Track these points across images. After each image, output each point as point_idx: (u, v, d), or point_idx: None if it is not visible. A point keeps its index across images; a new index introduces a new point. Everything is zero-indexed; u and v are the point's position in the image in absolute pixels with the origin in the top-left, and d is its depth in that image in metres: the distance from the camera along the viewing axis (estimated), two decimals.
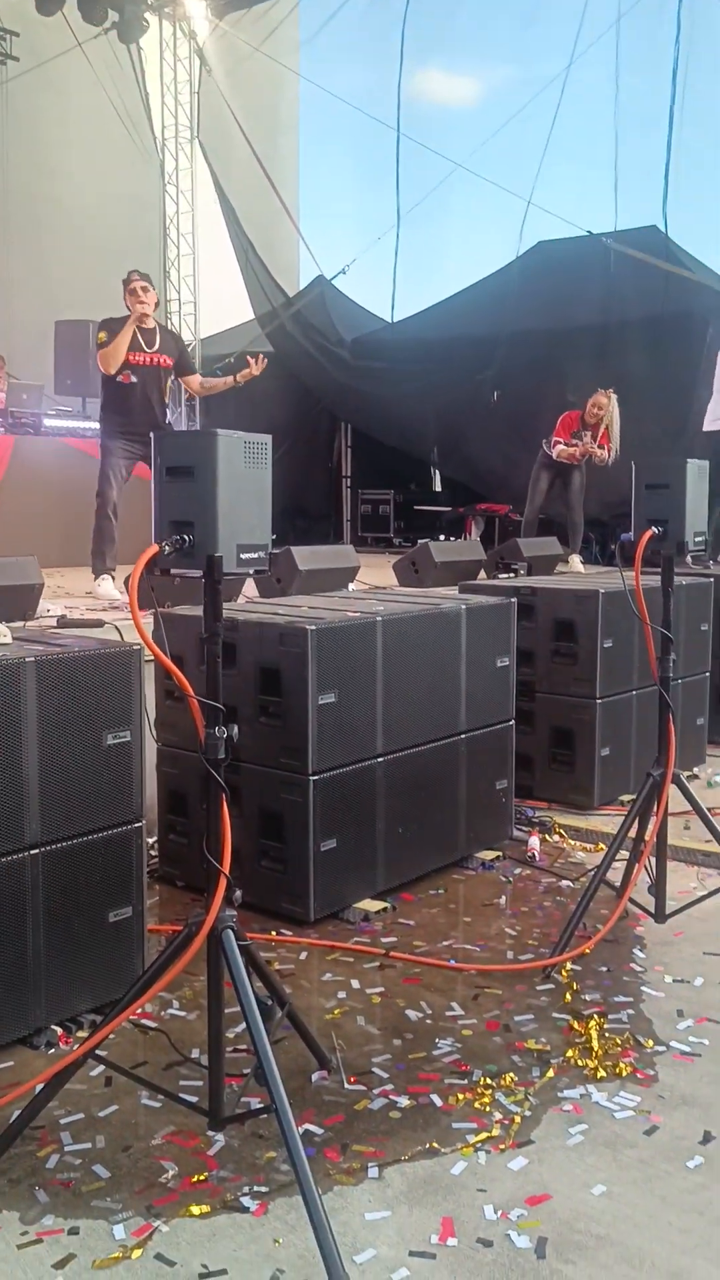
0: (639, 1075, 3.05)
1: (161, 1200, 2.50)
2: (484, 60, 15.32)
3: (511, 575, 7.88)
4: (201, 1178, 2.57)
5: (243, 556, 2.57)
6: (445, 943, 3.96)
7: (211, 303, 14.59)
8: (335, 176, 16.66)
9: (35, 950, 3.13)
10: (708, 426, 8.51)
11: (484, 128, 12.54)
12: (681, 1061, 3.13)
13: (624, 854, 3.99)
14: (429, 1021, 3.36)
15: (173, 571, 2.57)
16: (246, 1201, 2.49)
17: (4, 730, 3.02)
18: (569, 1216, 2.45)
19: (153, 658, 2.61)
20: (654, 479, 3.79)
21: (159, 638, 2.62)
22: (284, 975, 3.65)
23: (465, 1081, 3.01)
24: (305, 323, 13.60)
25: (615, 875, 4.01)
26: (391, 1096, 2.93)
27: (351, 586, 7.03)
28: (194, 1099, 2.77)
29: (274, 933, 3.97)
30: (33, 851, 3.11)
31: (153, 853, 4.48)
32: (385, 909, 4.20)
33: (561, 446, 9.13)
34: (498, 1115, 2.85)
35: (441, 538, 11.86)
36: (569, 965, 3.71)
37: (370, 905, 4.19)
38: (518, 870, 4.70)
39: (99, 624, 5.38)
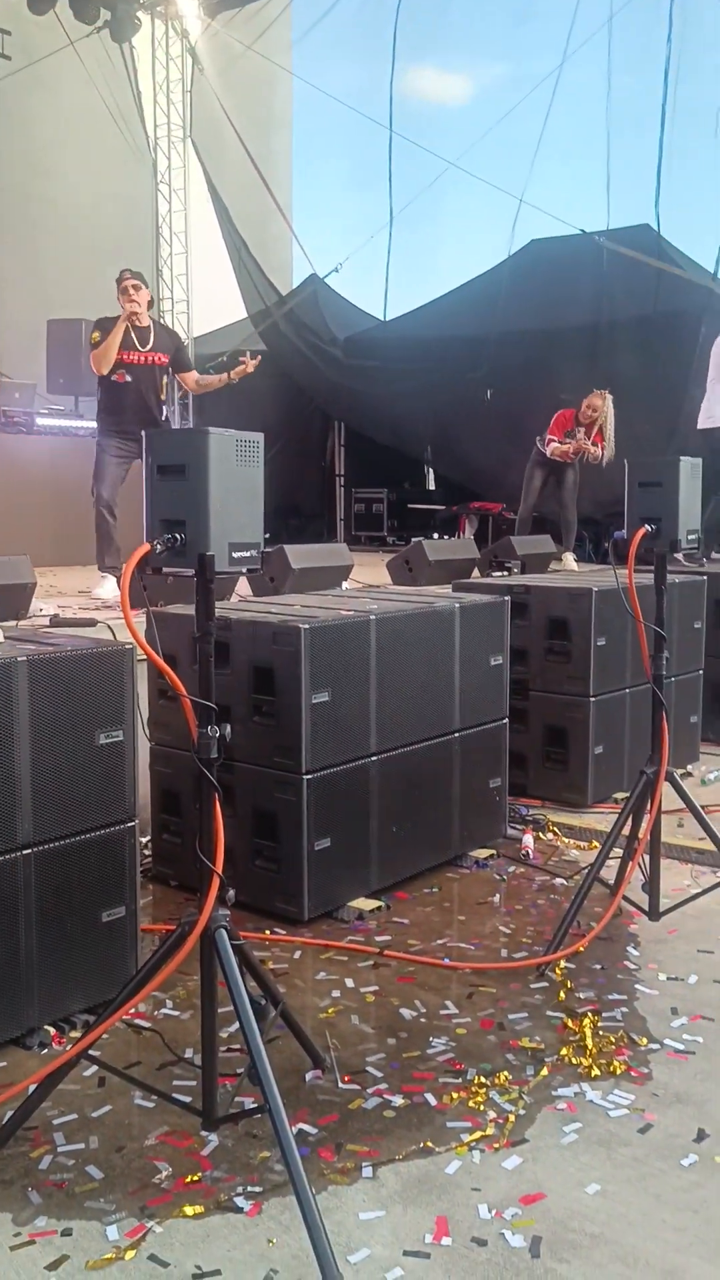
0: (633, 1073, 3.05)
1: (155, 1201, 2.49)
2: (476, 58, 15.35)
3: (505, 573, 7.87)
4: (195, 1178, 2.57)
5: (235, 555, 2.56)
6: (439, 941, 3.95)
7: (204, 301, 14.56)
8: (328, 175, 16.69)
9: (28, 950, 3.12)
10: (702, 425, 8.51)
11: (476, 126, 12.58)
12: (675, 1059, 3.13)
13: (618, 852, 3.98)
14: (423, 1020, 3.36)
15: (165, 570, 2.56)
16: (240, 1202, 2.48)
17: None
18: (563, 1215, 2.45)
19: (145, 657, 2.60)
20: (647, 477, 3.79)
21: (151, 637, 2.61)
22: (278, 974, 3.64)
23: (460, 1080, 3.01)
24: (298, 321, 13.59)
25: (609, 873, 4.00)
26: (386, 1096, 2.93)
27: (345, 585, 7.02)
28: (187, 1099, 2.76)
29: (268, 932, 3.97)
30: (25, 851, 3.10)
31: (146, 852, 4.48)
32: (379, 908, 4.20)
33: (555, 444, 9.12)
34: (492, 1114, 2.84)
35: (435, 536, 11.85)
36: (563, 963, 3.71)
37: (364, 904, 4.19)
38: (512, 868, 4.70)
39: (92, 623, 5.37)
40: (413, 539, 8.68)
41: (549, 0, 12.28)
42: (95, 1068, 2.98)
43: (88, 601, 6.70)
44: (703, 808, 4.08)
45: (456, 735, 4.69)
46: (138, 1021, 3.30)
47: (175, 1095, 2.79)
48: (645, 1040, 3.22)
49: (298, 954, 3.83)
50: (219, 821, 2.55)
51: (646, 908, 3.94)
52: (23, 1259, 2.32)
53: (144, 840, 4.37)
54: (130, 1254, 2.32)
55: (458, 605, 4.68)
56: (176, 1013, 3.38)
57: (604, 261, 11.20)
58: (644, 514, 3.77)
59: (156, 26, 14.35)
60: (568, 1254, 2.32)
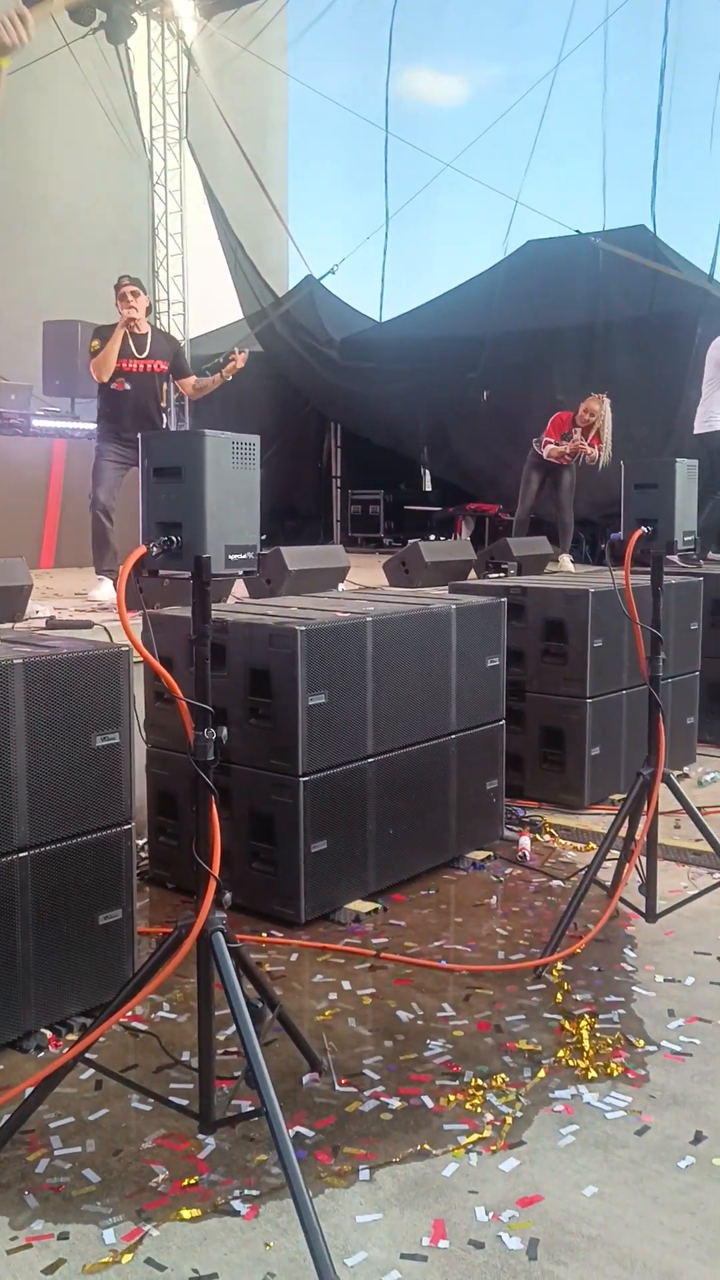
0: (630, 1075, 3.05)
1: (152, 1204, 2.49)
2: (472, 59, 15.35)
3: (501, 575, 7.88)
4: (192, 1181, 2.56)
5: (231, 558, 2.56)
6: (436, 943, 3.95)
7: (200, 303, 14.57)
8: (324, 176, 16.68)
9: (24, 953, 3.11)
10: (698, 430, 8.52)
11: (472, 127, 12.56)
12: (672, 1061, 3.13)
13: (614, 853, 3.98)
14: (420, 1023, 3.36)
15: (161, 573, 2.56)
16: (237, 1205, 2.48)
17: None
18: (560, 1217, 2.45)
19: (141, 659, 2.60)
20: (643, 479, 3.79)
21: (147, 639, 2.61)
22: (275, 977, 3.64)
23: (456, 1083, 3.00)
24: (294, 323, 13.59)
25: (606, 875, 4.00)
26: (383, 1098, 2.93)
27: (341, 587, 7.03)
28: (184, 1102, 2.76)
29: (264, 934, 3.97)
30: (21, 854, 3.09)
31: (142, 854, 4.47)
32: (376, 910, 4.19)
33: (552, 446, 9.13)
34: (489, 1116, 2.84)
35: (432, 538, 11.86)
36: (560, 965, 3.71)
37: (361, 906, 4.18)
38: (508, 870, 4.70)
39: (88, 625, 5.37)
40: (409, 540, 8.69)
41: (544, 2, 12.29)
42: (92, 1071, 2.98)
43: (84, 604, 6.71)
44: (699, 809, 4.08)
45: (453, 737, 4.69)
46: (135, 1024, 3.29)
47: (172, 1098, 2.78)
48: (642, 1042, 3.22)
49: (294, 956, 3.83)
50: (216, 825, 2.55)
51: (643, 909, 3.94)
52: (19, 1263, 2.31)
53: (140, 842, 4.36)
54: (127, 1257, 2.32)
55: (454, 607, 4.68)
56: (173, 1015, 3.38)
57: (600, 263, 11.21)
58: (640, 516, 3.78)
59: (152, 28, 14.36)
60: (565, 1256, 2.32)
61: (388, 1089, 2.97)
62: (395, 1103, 2.90)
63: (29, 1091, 2.70)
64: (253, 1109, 2.47)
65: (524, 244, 12.02)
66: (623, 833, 3.93)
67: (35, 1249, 2.35)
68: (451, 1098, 2.92)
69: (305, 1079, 3.01)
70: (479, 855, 4.78)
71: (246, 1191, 2.53)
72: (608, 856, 3.89)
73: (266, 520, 2.69)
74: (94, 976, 3.29)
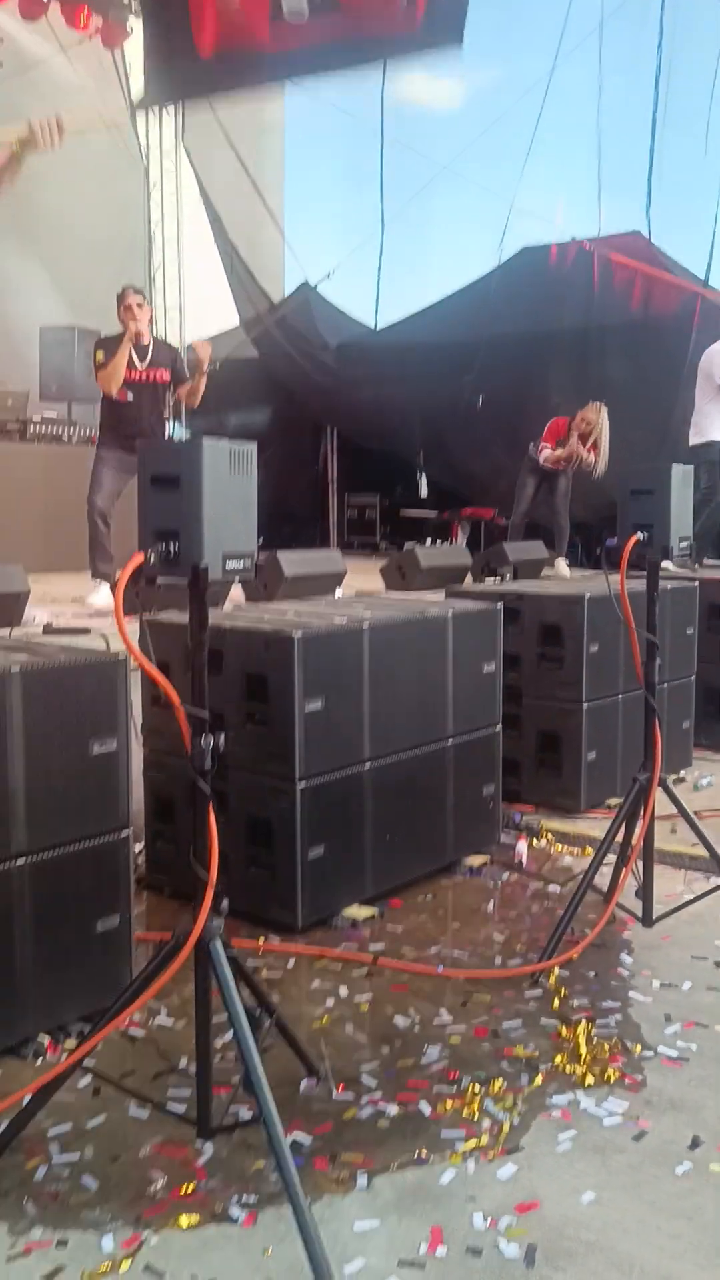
0: (627, 1080, 3.06)
1: (150, 1211, 2.49)
2: (467, 63, 15.34)
3: (497, 579, 7.89)
4: (190, 1188, 2.57)
5: (229, 565, 2.57)
6: (433, 949, 3.96)
7: (197, 308, 14.58)
8: (320, 181, 16.67)
9: (23, 960, 3.12)
10: (692, 441, 8.56)
11: (467, 131, 12.57)
12: (670, 1066, 3.13)
13: (611, 858, 3.99)
14: (417, 1029, 3.36)
15: (158, 581, 2.57)
16: (235, 1212, 2.48)
17: None
18: (558, 1224, 2.45)
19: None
20: (639, 485, 3.80)
21: (145, 646, 2.62)
22: (272, 983, 3.64)
23: (454, 1089, 3.01)
24: (290, 328, 13.59)
25: (603, 880, 4.01)
26: (380, 1105, 2.93)
27: (338, 591, 7.04)
28: (182, 1108, 2.76)
29: (262, 940, 3.97)
30: (19, 861, 3.10)
31: (139, 860, 4.47)
32: (373, 915, 4.20)
33: (548, 452, 9.14)
34: (486, 1123, 2.85)
35: (428, 542, 11.87)
36: (557, 970, 3.71)
37: (358, 912, 4.19)
38: (505, 875, 4.70)
39: (85, 631, 5.38)
40: (405, 545, 8.70)
41: (539, 6, 12.30)
42: (90, 1077, 2.98)
43: (81, 609, 6.71)
44: (696, 813, 4.10)
45: (450, 742, 4.69)
46: (132, 1031, 3.29)
47: (170, 1105, 2.79)
48: (639, 1047, 3.23)
49: (291, 962, 3.84)
50: (213, 832, 2.55)
51: (640, 914, 3.96)
52: (19, 1270, 2.32)
53: (137, 848, 4.36)
54: (126, 1264, 2.32)
55: (450, 613, 4.69)
56: (170, 1021, 3.38)
57: (595, 267, 11.23)
58: (636, 521, 3.79)
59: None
60: (563, 1262, 2.33)
61: (385, 1095, 2.98)
62: (393, 1109, 2.91)
63: (28, 1098, 2.70)
64: (250, 1116, 2.48)
65: (520, 250, 12.03)
66: (619, 838, 3.94)
67: (34, 1256, 2.35)
68: (449, 1104, 2.93)
69: (303, 1085, 3.02)
70: (476, 860, 4.79)
71: (245, 1198, 2.53)
72: (604, 861, 3.91)
73: (262, 524, 2.70)
74: (92, 983, 3.29)
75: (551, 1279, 2.28)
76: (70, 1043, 3.20)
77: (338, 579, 7.14)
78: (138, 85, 14.12)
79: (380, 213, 13.20)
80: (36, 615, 5.88)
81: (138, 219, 14.42)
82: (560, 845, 5.08)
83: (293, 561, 6.68)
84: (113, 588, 3.25)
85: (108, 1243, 2.39)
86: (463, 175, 11.96)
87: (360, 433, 13.91)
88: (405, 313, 13.18)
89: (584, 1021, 3.37)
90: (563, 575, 9.04)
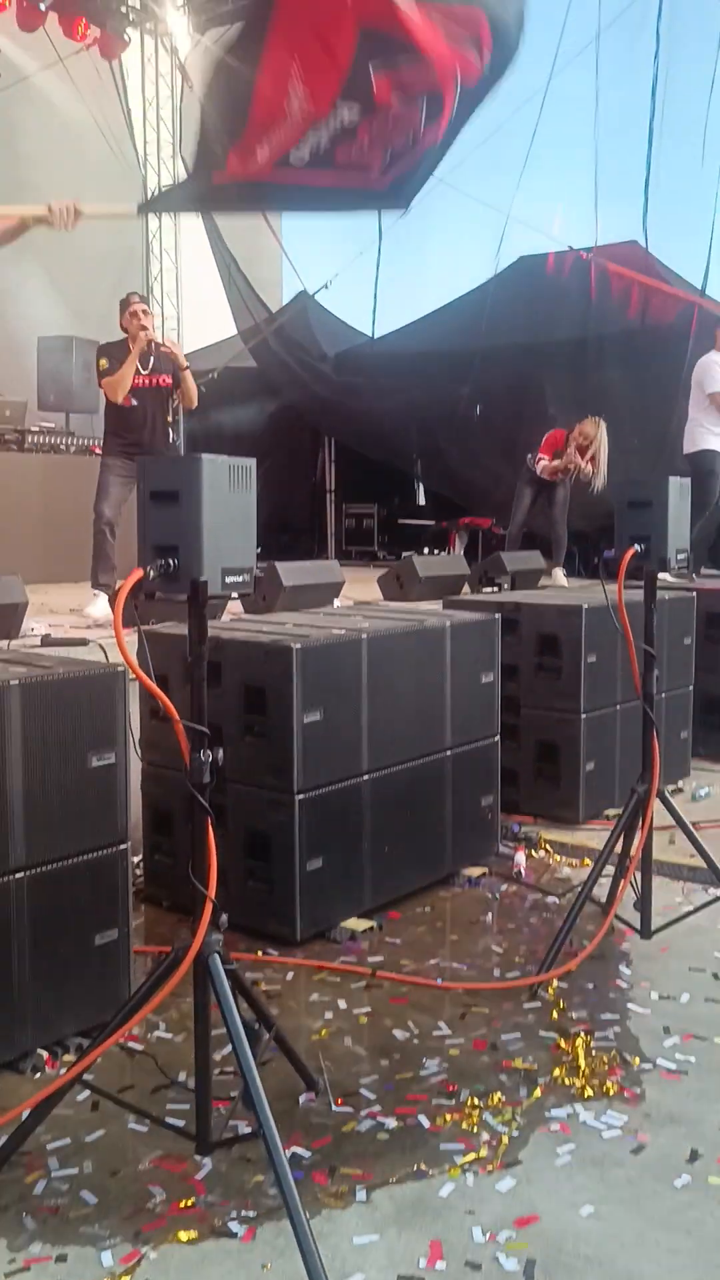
0: (626, 1093, 3.06)
1: (149, 1226, 2.49)
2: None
3: (495, 589, 7.91)
4: (189, 1203, 2.57)
5: (228, 580, 2.57)
6: (432, 961, 3.96)
7: (194, 318, 14.61)
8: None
9: (21, 974, 3.12)
10: (686, 450, 8.62)
11: (465, 140, 12.58)
12: (668, 1079, 3.13)
13: (609, 869, 3.99)
14: (416, 1041, 3.36)
15: (158, 596, 2.57)
16: (234, 1227, 2.48)
17: None
18: (557, 1237, 2.45)
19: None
20: (636, 497, 3.81)
21: (144, 659, 2.62)
22: (270, 996, 3.64)
23: (453, 1102, 3.01)
24: (288, 338, 13.62)
25: (601, 891, 4.02)
26: (379, 1118, 2.93)
27: (336, 602, 7.05)
28: (181, 1123, 2.76)
29: (260, 953, 3.97)
30: (17, 875, 3.10)
31: (138, 872, 4.47)
32: (372, 928, 4.20)
33: (545, 463, 9.16)
34: (485, 1136, 2.85)
35: (426, 551, 11.89)
36: (555, 982, 3.71)
37: (357, 924, 4.19)
38: (504, 886, 4.70)
39: (83, 643, 5.38)
40: (403, 554, 8.72)
41: (537, 16, 12.28)
42: (88, 1091, 2.98)
43: (79, 620, 6.71)
44: (694, 824, 4.09)
45: (448, 753, 4.70)
46: (131, 1045, 3.29)
47: (169, 1120, 2.79)
48: (638, 1060, 3.23)
49: (290, 975, 3.84)
50: (212, 847, 2.56)
51: (638, 926, 3.95)
52: None
53: (135, 860, 4.36)
54: None
55: (449, 623, 4.70)
56: (169, 1035, 3.38)
57: (592, 277, 11.27)
58: (633, 533, 3.80)
59: (146, 43, 14.41)
60: (562, 1277, 2.33)
61: (384, 1108, 2.98)
62: (392, 1122, 2.91)
63: (26, 1113, 2.70)
64: (249, 1130, 2.48)
65: (517, 260, 12.07)
66: (618, 849, 3.94)
67: (33, 1272, 2.35)
68: (448, 1117, 2.93)
69: (302, 1099, 3.02)
70: (474, 872, 4.79)
71: (244, 1213, 2.53)
72: (603, 873, 3.91)
73: (260, 534, 2.71)
74: (90, 997, 3.29)
75: None
76: (69, 1057, 3.20)
77: (336, 589, 7.15)
78: (135, 95, 14.18)
79: (378, 222, 13.22)
80: (35, 626, 5.88)
81: (135, 229, 14.46)
82: (559, 856, 5.09)
83: (291, 572, 6.70)
84: (111, 600, 3.26)
85: (107, 1258, 2.38)
86: (460, 185, 11.97)
87: (358, 442, 13.94)
88: (403, 322, 13.23)
89: (583, 1034, 3.36)
90: (560, 585, 9.05)
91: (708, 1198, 2.60)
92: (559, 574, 9.39)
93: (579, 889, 3.93)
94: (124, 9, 13.69)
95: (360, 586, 8.17)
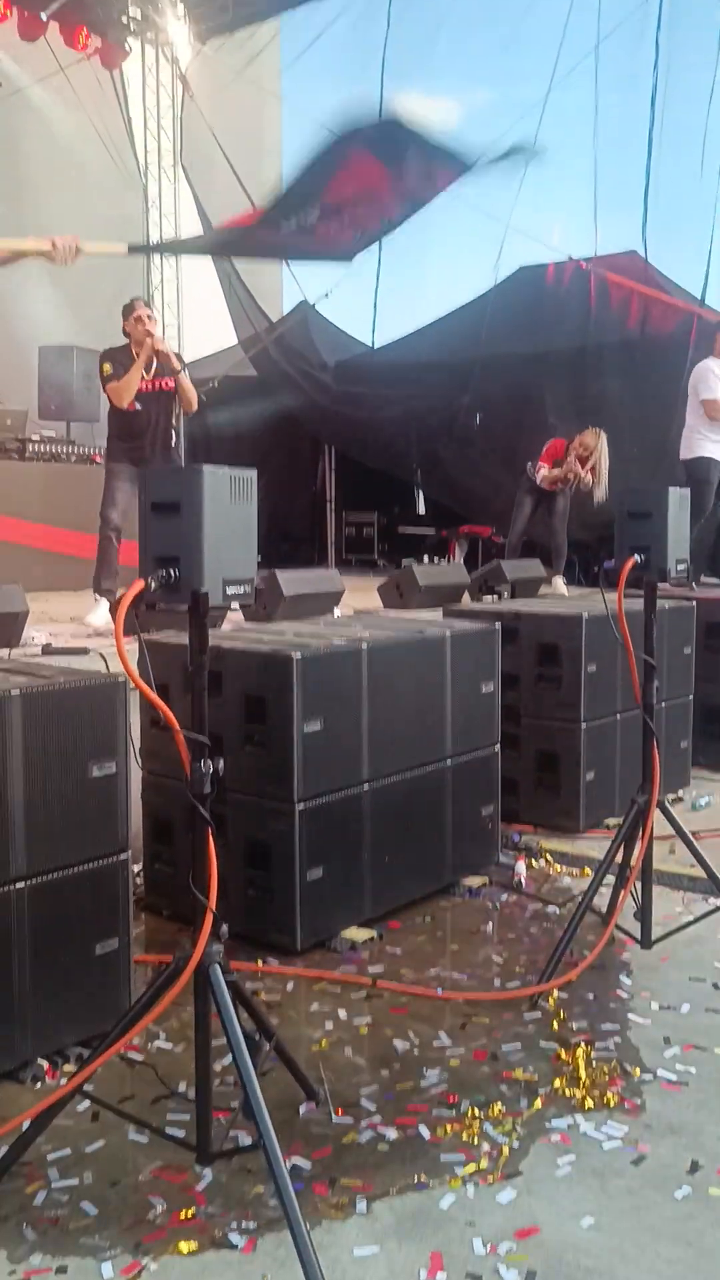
0: (626, 1104, 3.05)
1: (150, 1237, 2.49)
2: (464, 84, 15.42)
3: (495, 598, 7.91)
4: (189, 1214, 2.56)
5: (229, 591, 2.58)
6: (432, 971, 3.96)
7: (195, 327, 14.64)
8: None
9: (21, 984, 3.12)
10: (682, 455, 8.66)
11: (465, 151, 12.62)
12: (669, 1090, 3.13)
13: (610, 879, 3.99)
14: (416, 1052, 3.36)
15: (158, 606, 2.58)
16: (235, 1238, 2.48)
17: None
18: (558, 1249, 2.45)
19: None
20: (636, 507, 3.82)
21: (144, 669, 2.63)
22: (271, 1006, 3.64)
23: (453, 1112, 3.01)
24: (288, 347, 13.65)
25: (601, 900, 4.02)
26: (379, 1128, 2.93)
27: (336, 611, 7.05)
28: (181, 1133, 2.76)
29: (260, 962, 3.97)
30: (18, 885, 3.10)
31: (138, 881, 4.47)
32: (372, 938, 4.20)
33: (545, 472, 9.17)
34: (486, 1146, 2.85)
35: (425, 559, 11.89)
36: (556, 992, 3.71)
37: (357, 934, 4.18)
38: (504, 896, 4.70)
39: (84, 652, 5.38)
40: (403, 562, 8.72)
41: (536, 27, 12.36)
42: (88, 1101, 2.97)
43: (79, 629, 6.71)
44: (693, 834, 4.10)
45: (448, 763, 4.70)
46: (131, 1054, 3.29)
47: (169, 1130, 2.79)
48: (638, 1070, 3.23)
49: (290, 985, 3.83)
50: (212, 857, 2.56)
51: (639, 936, 3.96)
52: None
53: (135, 869, 4.36)
54: None
55: (449, 633, 4.70)
56: (169, 1045, 3.38)
57: (591, 287, 11.29)
58: (633, 544, 3.81)
59: (147, 53, 14.46)
60: None
61: (384, 1119, 2.97)
62: (392, 1133, 2.91)
63: (27, 1124, 2.70)
64: (250, 1141, 2.48)
65: (517, 269, 12.09)
66: (618, 859, 3.94)
67: None
68: (448, 1128, 2.93)
69: (302, 1109, 3.02)
70: (475, 881, 4.79)
71: (244, 1224, 2.53)
72: (603, 882, 3.91)
73: (261, 542, 2.72)
74: (91, 1006, 3.29)
75: None
76: (69, 1067, 3.20)
77: (336, 598, 7.15)
78: (136, 104, 14.23)
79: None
80: (35, 635, 5.88)
81: (136, 237, 14.48)
82: (559, 866, 5.08)
83: (291, 581, 6.69)
84: (113, 608, 3.26)
85: (107, 1269, 2.38)
86: (459, 195, 11.99)
87: (358, 450, 13.96)
88: (403, 331, 13.25)
89: (583, 1044, 3.36)
90: (560, 593, 9.06)
91: (708, 1209, 2.60)
92: (559, 583, 9.40)
93: (579, 899, 3.93)
94: (125, 19, 13.74)
95: (360, 595, 8.17)
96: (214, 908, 2.54)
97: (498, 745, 5.01)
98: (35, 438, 10.34)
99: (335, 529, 14.79)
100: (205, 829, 2.55)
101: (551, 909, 4.55)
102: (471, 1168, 2.75)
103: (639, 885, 3.93)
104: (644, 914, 3.94)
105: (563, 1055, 3.31)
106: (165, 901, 4.43)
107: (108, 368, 6.94)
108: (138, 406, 6.93)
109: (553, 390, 11.34)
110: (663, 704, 5.78)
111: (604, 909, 4.04)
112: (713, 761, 6.59)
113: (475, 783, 4.85)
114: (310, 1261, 2.23)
